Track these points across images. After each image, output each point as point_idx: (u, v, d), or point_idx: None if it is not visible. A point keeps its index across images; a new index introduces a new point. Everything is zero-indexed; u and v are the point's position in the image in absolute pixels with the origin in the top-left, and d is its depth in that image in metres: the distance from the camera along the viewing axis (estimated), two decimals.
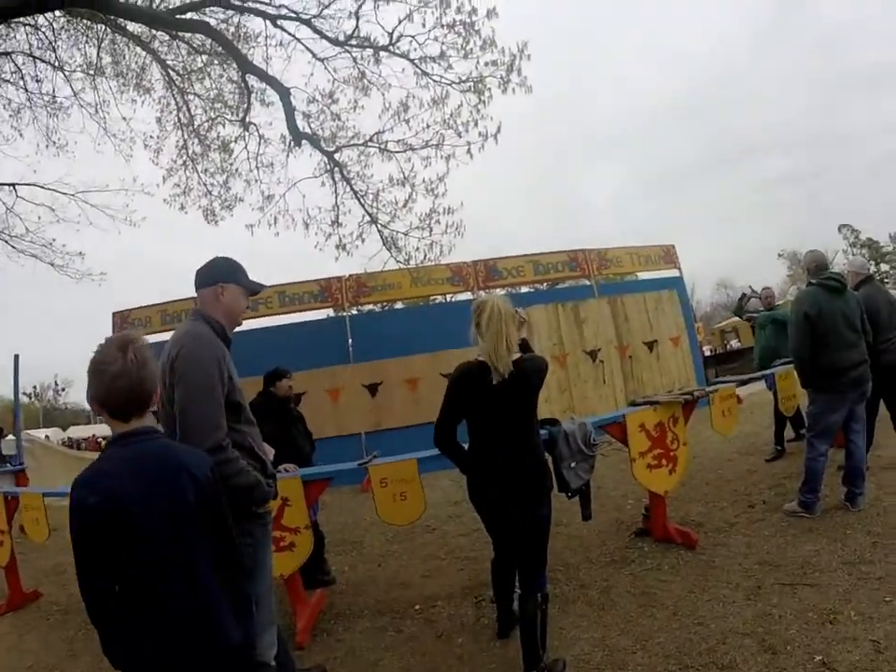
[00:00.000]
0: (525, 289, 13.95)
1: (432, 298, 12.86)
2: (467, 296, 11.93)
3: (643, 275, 14.15)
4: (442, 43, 7.76)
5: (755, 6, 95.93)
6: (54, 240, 9.96)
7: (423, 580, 4.84)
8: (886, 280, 59.91)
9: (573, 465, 3.91)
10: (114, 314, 11.42)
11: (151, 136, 9.44)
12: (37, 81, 8.82)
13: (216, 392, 2.33)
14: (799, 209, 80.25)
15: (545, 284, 15.30)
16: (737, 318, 9.18)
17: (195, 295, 2.70)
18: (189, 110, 9.31)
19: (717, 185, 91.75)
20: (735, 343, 24.74)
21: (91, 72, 8.81)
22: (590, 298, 12.43)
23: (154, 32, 8.41)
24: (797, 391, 5.74)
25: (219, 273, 2.63)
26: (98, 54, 8.72)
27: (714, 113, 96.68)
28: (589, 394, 11.69)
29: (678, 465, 4.63)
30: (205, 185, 9.34)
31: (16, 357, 10.17)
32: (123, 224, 9.82)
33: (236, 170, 9.20)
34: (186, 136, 9.34)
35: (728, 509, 5.24)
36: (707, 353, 21.25)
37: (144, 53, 8.94)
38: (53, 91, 8.94)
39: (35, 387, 58.52)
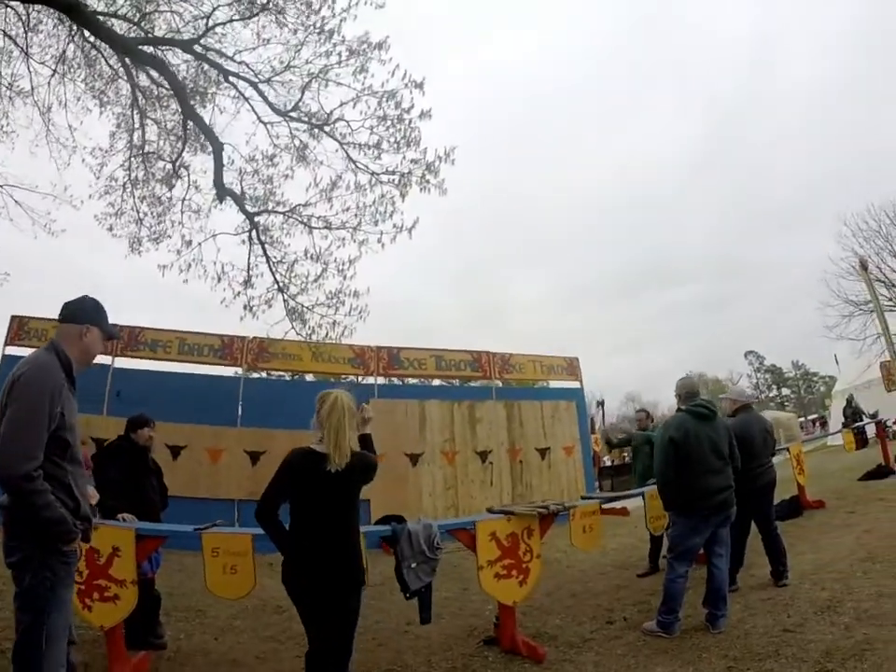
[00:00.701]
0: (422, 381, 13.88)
1: (334, 376, 12.57)
2: (369, 380, 11.77)
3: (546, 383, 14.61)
4: (375, 133, 8.00)
5: (690, 140, 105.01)
6: None
7: (256, 661, 4.60)
8: (786, 403, 65.13)
9: (413, 565, 3.90)
10: (13, 317, 10.40)
11: (100, 149, 9.05)
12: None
13: (40, 424, 2.38)
14: (709, 334, 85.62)
15: (448, 380, 15.28)
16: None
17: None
18: (143, 134, 9.06)
19: (633, 304, 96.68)
20: None
21: (60, 68, 8.49)
22: (488, 399, 12.48)
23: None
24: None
25: (87, 315, 2.75)
26: (74, 52, 8.47)
27: (642, 234, 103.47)
28: (475, 493, 11.54)
29: (529, 576, 4.53)
30: (138, 212, 8.99)
31: None
32: (41, 230, 9.18)
33: (172, 205, 8.94)
34: (133, 158, 9.03)
35: (587, 623, 5.03)
36: (607, 463, 21.46)
37: (118, 64, 8.70)
38: (11, 76, 8.52)
39: None
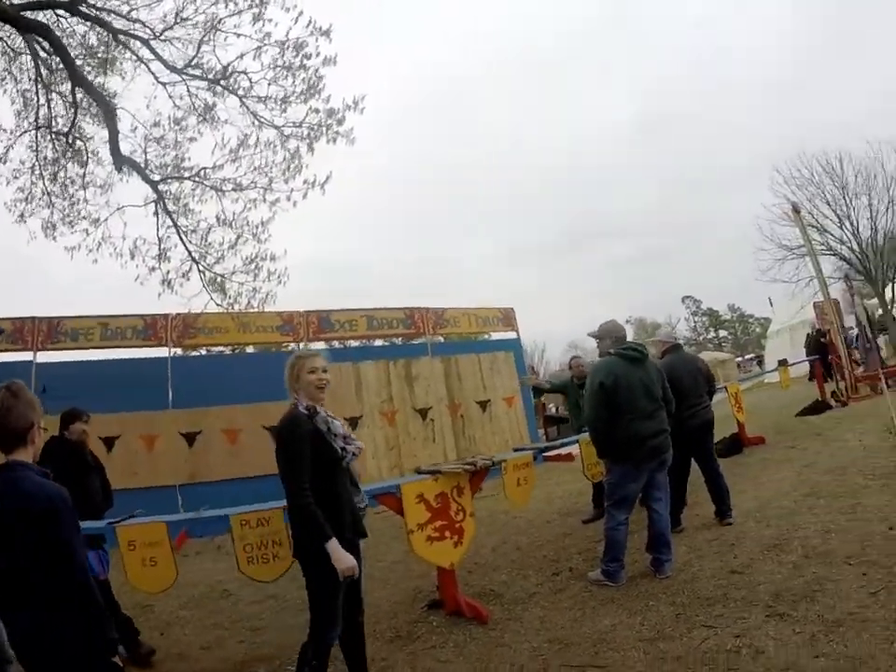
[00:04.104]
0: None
1: (264, 346, 12.21)
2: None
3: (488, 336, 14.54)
4: (277, 85, 7.66)
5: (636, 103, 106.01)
6: None
7: (200, 652, 4.42)
8: (724, 344, 67.99)
9: None
10: None
11: (3, 129, 8.40)
12: None
13: None
14: (649, 284, 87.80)
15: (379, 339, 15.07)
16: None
17: None
18: (50, 110, 8.37)
19: (576, 260, 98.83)
20: None
21: None
22: (424, 356, 12.32)
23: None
24: None
25: None
26: None
27: (585, 195, 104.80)
28: (418, 451, 11.41)
29: (464, 536, 4.33)
30: (49, 195, 8.38)
31: None
32: None
33: (87, 183, 8.39)
34: (40, 137, 8.38)
35: (532, 577, 4.88)
36: (553, 411, 21.67)
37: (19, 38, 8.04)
38: None
39: None
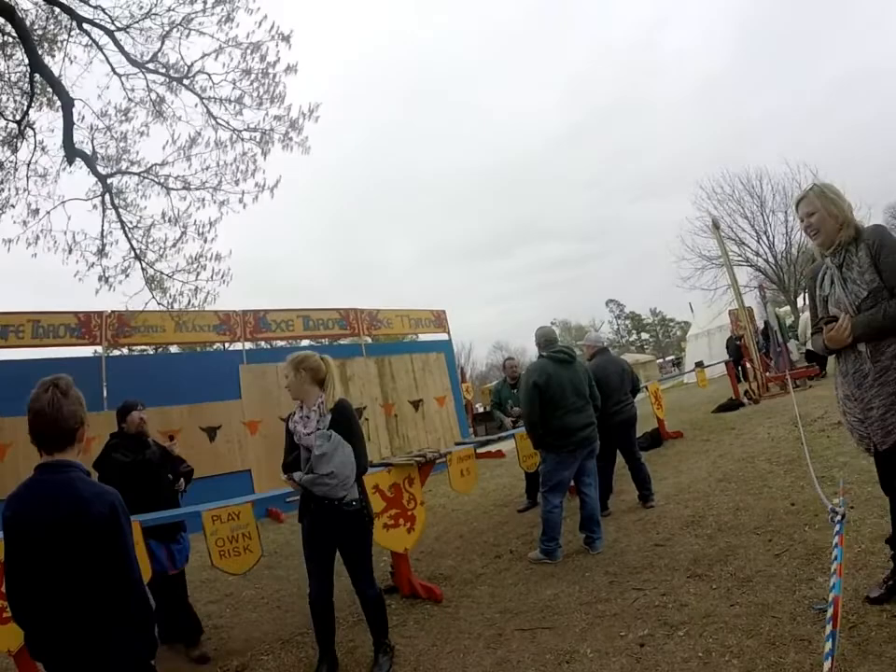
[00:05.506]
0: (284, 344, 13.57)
1: (200, 345, 12.01)
2: (236, 346, 11.28)
3: (415, 337, 14.70)
4: (237, 87, 7.59)
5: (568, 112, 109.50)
6: None
7: (169, 653, 4.28)
8: (646, 346, 70.73)
9: None
10: None
11: None
12: None
13: None
14: (573, 288, 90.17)
15: (317, 340, 15.07)
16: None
17: None
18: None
19: (504, 262, 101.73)
20: None
21: None
22: (358, 356, 12.47)
23: None
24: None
25: None
26: None
27: (513, 198, 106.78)
28: None
29: (416, 523, 4.68)
30: None
31: None
32: None
33: (16, 169, 7.91)
34: None
35: (477, 560, 5.27)
36: (480, 410, 22.14)
37: None
38: None
39: None
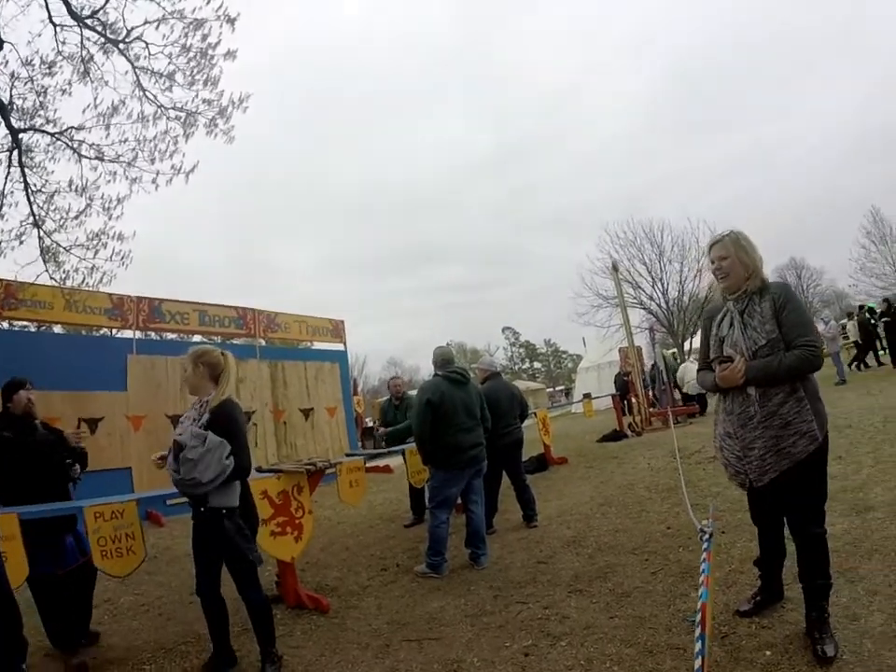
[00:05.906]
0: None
1: (87, 328, 11.35)
2: (126, 334, 10.70)
3: (310, 345, 14.63)
4: (173, 63, 7.29)
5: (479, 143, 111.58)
6: None
7: (48, 660, 4.04)
8: (537, 375, 73.15)
9: None
10: None
11: None
12: None
13: None
14: (471, 311, 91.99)
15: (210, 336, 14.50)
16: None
17: None
18: None
19: (402, 280, 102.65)
20: None
21: None
22: (252, 358, 12.14)
23: None
24: None
25: None
26: None
27: (416, 218, 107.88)
28: None
29: (303, 532, 4.61)
30: None
31: None
32: None
33: None
34: None
35: (363, 573, 5.27)
36: (370, 424, 22.07)
37: None
38: None
39: None
